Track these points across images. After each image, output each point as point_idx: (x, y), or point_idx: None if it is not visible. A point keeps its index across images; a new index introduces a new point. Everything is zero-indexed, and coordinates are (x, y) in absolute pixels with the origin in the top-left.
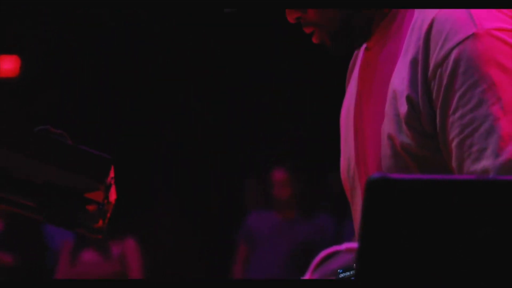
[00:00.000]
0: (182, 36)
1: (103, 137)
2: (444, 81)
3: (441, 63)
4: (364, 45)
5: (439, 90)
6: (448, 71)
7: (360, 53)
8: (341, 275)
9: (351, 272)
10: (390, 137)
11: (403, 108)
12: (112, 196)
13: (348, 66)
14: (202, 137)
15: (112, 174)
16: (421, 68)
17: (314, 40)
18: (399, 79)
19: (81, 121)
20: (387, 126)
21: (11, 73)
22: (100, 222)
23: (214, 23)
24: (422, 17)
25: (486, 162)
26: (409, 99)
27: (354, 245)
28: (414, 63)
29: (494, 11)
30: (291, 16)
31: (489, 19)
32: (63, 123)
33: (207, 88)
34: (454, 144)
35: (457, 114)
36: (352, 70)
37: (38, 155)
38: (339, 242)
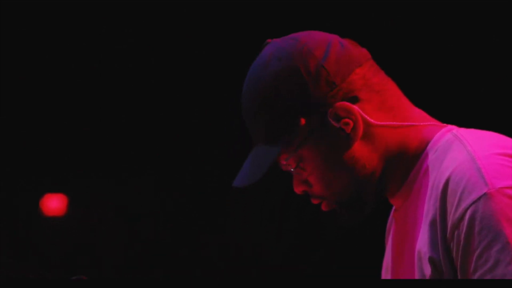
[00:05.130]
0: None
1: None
2: (462, 242)
3: (457, 224)
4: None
5: (458, 251)
6: (464, 232)
7: (392, 212)
8: None
9: None
10: None
11: (427, 270)
12: None
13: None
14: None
15: None
16: (440, 229)
17: (323, 208)
18: (422, 241)
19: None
20: None
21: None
22: None
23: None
24: (439, 176)
25: None
26: (431, 261)
27: None
28: (433, 224)
29: (505, 168)
30: (297, 189)
31: (500, 177)
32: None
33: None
34: None
35: (477, 275)
36: (390, 229)
37: None
38: None
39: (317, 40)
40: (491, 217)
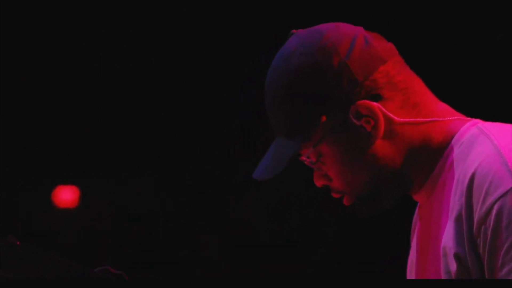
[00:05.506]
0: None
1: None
2: (488, 237)
3: (484, 219)
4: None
5: (485, 246)
6: (491, 227)
7: (417, 209)
8: None
9: None
10: None
11: (453, 266)
12: None
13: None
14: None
15: None
16: (466, 225)
17: (345, 202)
18: (448, 237)
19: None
20: None
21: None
22: None
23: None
24: (464, 171)
25: None
26: (457, 257)
27: None
28: (459, 220)
29: None
30: (318, 183)
31: None
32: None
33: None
34: None
35: (504, 271)
36: (415, 226)
37: None
38: None
39: (342, 35)
40: None
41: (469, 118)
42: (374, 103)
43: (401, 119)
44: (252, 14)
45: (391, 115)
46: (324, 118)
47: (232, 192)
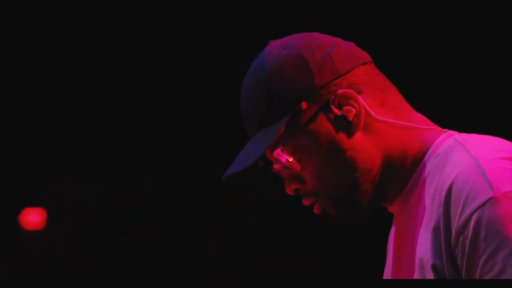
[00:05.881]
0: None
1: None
2: (467, 248)
3: (462, 230)
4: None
5: (463, 257)
6: (469, 238)
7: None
8: None
9: None
10: None
11: (430, 277)
12: None
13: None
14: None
15: None
16: (443, 236)
17: (316, 210)
18: (425, 248)
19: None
20: None
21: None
22: None
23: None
24: (441, 181)
25: None
26: (434, 268)
27: None
28: (436, 231)
29: (510, 172)
30: (290, 188)
31: (505, 181)
32: None
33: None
34: None
35: None
36: (391, 238)
37: None
38: None
39: (323, 37)
40: (497, 222)
41: (444, 130)
42: (356, 94)
43: (380, 117)
44: (252, 14)
45: (370, 110)
46: (304, 106)
47: (232, 192)
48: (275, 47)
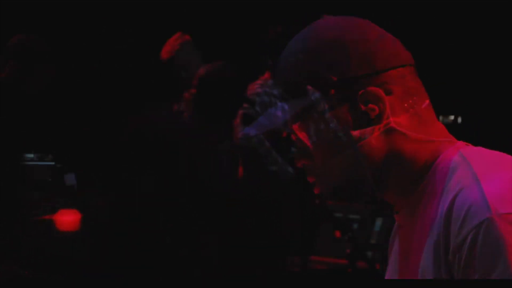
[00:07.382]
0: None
1: None
2: (462, 266)
3: (458, 249)
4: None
5: (458, 275)
6: (464, 256)
7: (395, 228)
8: None
9: None
10: None
11: None
12: None
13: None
14: None
15: None
16: (443, 251)
17: (315, 190)
18: (427, 260)
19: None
20: None
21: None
22: None
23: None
24: (444, 197)
25: None
26: None
27: None
28: (437, 245)
29: (511, 193)
30: (299, 160)
31: (504, 202)
32: None
33: None
34: None
35: None
36: (393, 243)
37: None
38: None
39: (372, 27)
40: (491, 243)
41: (456, 141)
42: (384, 95)
43: (398, 127)
44: (252, 14)
45: (391, 116)
46: (332, 91)
47: (232, 192)
48: (323, 26)
